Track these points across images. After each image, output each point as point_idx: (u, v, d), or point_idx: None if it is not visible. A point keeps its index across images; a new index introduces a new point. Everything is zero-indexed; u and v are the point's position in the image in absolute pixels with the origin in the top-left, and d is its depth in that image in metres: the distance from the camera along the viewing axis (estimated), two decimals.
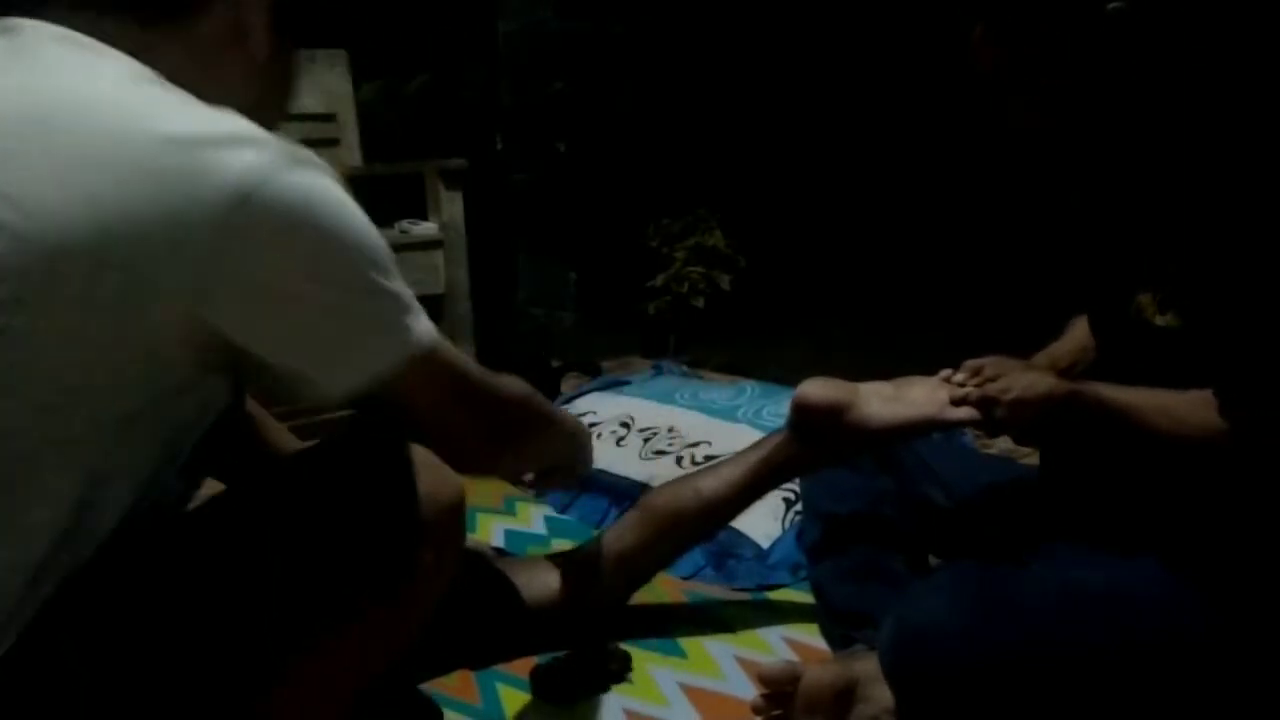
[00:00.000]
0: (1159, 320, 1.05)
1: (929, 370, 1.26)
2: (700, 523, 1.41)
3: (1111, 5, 1.01)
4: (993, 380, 1.12)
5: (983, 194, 2.95)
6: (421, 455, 0.86)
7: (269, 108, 0.87)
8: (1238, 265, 0.96)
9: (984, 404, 1.13)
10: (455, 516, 0.88)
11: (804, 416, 1.28)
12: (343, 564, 0.80)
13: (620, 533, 1.40)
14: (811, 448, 1.31)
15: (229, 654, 0.77)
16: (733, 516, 1.47)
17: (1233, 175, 0.97)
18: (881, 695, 1.07)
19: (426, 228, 2.51)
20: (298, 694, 0.82)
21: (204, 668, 0.76)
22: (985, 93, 1.11)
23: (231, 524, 0.81)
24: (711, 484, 1.38)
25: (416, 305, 0.84)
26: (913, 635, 1.00)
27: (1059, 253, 1.25)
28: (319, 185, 0.75)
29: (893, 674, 1.03)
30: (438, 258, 2.50)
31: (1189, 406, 1.00)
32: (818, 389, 1.27)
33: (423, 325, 0.83)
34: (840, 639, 1.29)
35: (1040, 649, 0.97)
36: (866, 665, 1.10)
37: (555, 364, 2.87)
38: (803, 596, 1.49)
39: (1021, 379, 1.11)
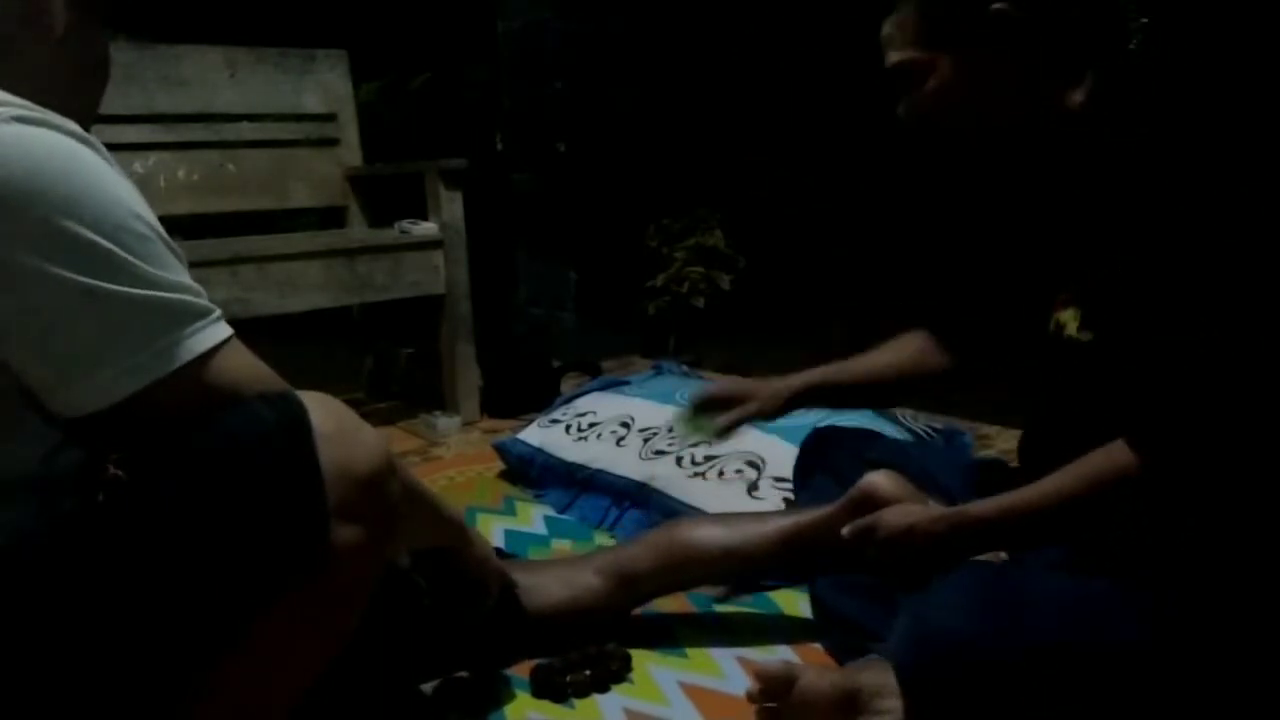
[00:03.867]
0: (1079, 335, 1.05)
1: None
2: (717, 570, 1.37)
3: (995, 6, 1.01)
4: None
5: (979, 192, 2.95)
6: (332, 423, 0.80)
7: (75, 93, 0.85)
8: (1155, 287, 0.95)
9: (861, 542, 1.13)
10: (374, 488, 0.82)
11: (868, 508, 1.18)
12: (240, 551, 0.75)
13: (634, 557, 1.37)
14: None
15: (140, 652, 0.74)
16: (754, 574, 1.44)
17: (1152, 193, 0.97)
18: (893, 707, 1.04)
19: (426, 228, 2.51)
20: (230, 690, 0.80)
21: (118, 666, 0.74)
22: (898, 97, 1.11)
23: (129, 518, 0.75)
24: (740, 539, 1.34)
25: (189, 302, 0.75)
26: (928, 635, 0.98)
27: (976, 265, 1.25)
28: (51, 142, 0.70)
29: (907, 674, 1.01)
30: (438, 258, 2.50)
31: (1103, 464, 0.98)
32: (890, 484, 1.19)
33: (190, 331, 0.75)
34: (855, 650, 1.23)
35: (1057, 649, 0.96)
36: (873, 676, 1.07)
37: (555, 364, 2.87)
38: (803, 596, 1.49)
39: (890, 514, 1.10)
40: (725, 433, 1.37)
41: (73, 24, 0.84)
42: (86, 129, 0.76)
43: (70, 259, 0.70)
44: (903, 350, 1.38)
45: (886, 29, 1.11)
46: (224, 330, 0.78)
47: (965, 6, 1.04)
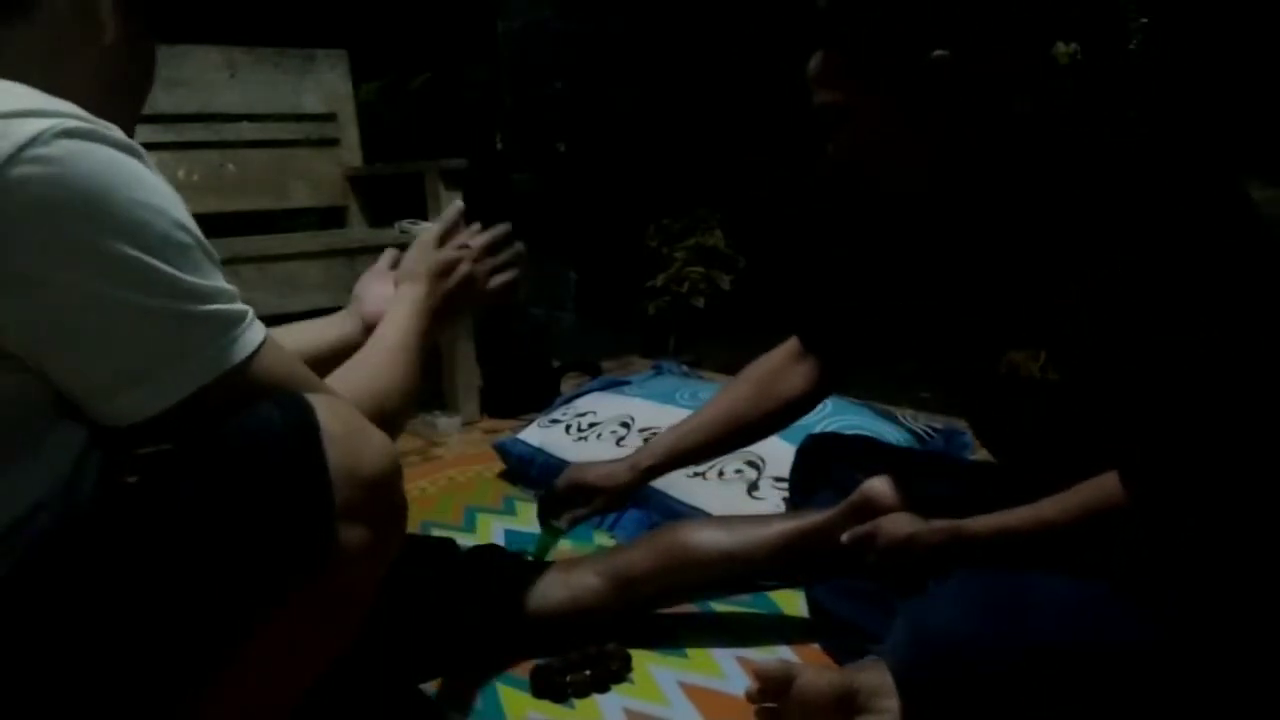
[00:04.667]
0: (1045, 376, 1.04)
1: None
2: (717, 572, 1.36)
3: (935, 54, 0.98)
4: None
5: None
6: (339, 424, 0.80)
7: (122, 96, 0.85)
8: (1133, 319, 0.94)
9: (860, 548, 1.13)
10: (381, 489, 0.82)
11: (867, 514, 1.18)
12: (246, 551, 0.75)
13: (634, 558, 1.37)
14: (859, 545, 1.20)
15: (145, 650, 0.74)
16: (753, 583, 1.43)
17: (1108, 231, 0.95)
18: (890, 706, 1.04)
19: (426, 228, 2.51)
20: (235, 689, 0.80)
21: (123, 665, 0.74)
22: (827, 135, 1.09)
23: (137, 519, 0.76)
24: (740, 542, 1.33)
25: (227, 310, 0.77)
26: (926, 636, 0.98)
27: (925, 307, 1.23)
28: (98, 156, 0.70)
29: (903, 674, 1.02)
30: None
31: (1097, 495, 0.99)
32: (890, 490, 1.18)
33: (230, 339, 0.76)
34: (854, 651, 1.22)
35: (1056, 651, 0.96)
36: (871, 676, 1.07)
37: (555, 364, 2.87)
38: (803, 596, 1.49)
39: (889, 522, 1.11)
40: (573, 526, 1.43)
41: (121, 30, 0.84)
42: (130, 134, 0.76)
43: (112, 276, 0.71)
44: (745, 388, 1.40)
45: (814, 64, 1.07)
46: (259, 333, 0.79)
47: (901, 51, 0.99)
